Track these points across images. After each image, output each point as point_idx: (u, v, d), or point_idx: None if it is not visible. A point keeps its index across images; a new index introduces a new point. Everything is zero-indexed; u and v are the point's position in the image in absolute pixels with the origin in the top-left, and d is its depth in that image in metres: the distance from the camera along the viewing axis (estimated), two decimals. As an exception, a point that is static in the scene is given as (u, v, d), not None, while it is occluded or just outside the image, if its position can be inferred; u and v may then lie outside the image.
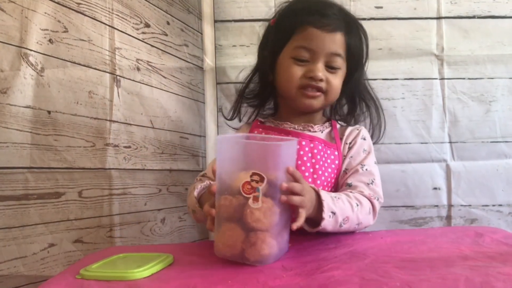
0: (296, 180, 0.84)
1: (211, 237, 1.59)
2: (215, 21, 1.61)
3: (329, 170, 1.09)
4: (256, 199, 0.77)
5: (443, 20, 1.57)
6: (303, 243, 0.94)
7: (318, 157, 1.08)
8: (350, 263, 0.75)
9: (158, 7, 1.44)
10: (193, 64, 1.58)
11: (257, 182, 0.77)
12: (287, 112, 1.18)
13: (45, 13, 1.10)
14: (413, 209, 1.57)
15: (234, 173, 0.81)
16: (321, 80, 1.07)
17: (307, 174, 1.06)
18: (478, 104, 1.57)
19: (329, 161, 1.10)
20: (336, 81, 1.10)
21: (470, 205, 1.57)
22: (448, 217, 1.57)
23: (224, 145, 0.84)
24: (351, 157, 1.13)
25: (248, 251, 0.78)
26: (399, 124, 1.57)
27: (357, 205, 0.99)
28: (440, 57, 1.57)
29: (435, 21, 1.57)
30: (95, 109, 1.22)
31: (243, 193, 0.77)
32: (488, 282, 0.62)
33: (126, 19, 1.31)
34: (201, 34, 1.61)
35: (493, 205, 1.57)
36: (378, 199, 1.06)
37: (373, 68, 1.55)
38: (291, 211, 0.85)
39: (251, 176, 0.77)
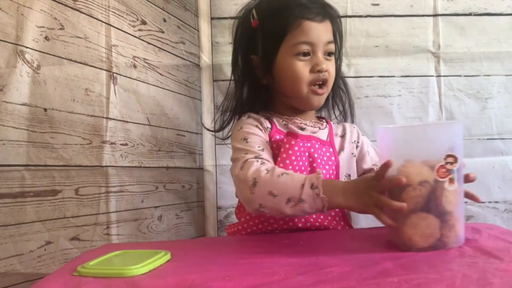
0: None
1: (208, 234, 1.59)
2: (212, 18, 1.60)
3: (327, 167, 1.09)
4: (452, 181, 0.77)
5: (439, 17, 1.57)
6: (300, 239, 0.94)
7: (316, 155, 1.08)
8: (348, 259, 0.75)
9: (154, 4, 1.43)
10: (189, 61, 1.58)
11: (451, 163, 0.76)
12: (286, 109, 1.16)
13: (41, 10, 1.10)
14: (410, 206, 1.57)
15: (415, 162, 0.79)
16: (326, 71, 1.08)
17: (305, 173, 1.06)
18: (474, 101, 1.58)
19: (325, 158, 1.10)
20: (333, 68, 1.12)
21: (466, 202, 1.54)
22: (445, 214, 1.57)
23: (399, 135, 0.84)
24: (369, 154, 1.19)
25: (447, 234, 0.78)
26: (395, 121, 1.58)
27: None
28: (437, 54, 1.58)
29: (431, 18, 1.57)
30: (92, 107, 1.22)
31: (438, 177, 0.76)
32: (485, 278, 0.62)
33: (122, 16, 1.31)
34: (198, 31, 1.61)
35: (489, 202, 1.58)
36: None
37: (369, 66, 1.57)
38: None
39: (445, 158, 0.76)
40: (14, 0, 1.05)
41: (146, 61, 1.39)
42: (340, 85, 1.23)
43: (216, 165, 1.60)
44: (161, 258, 0.79)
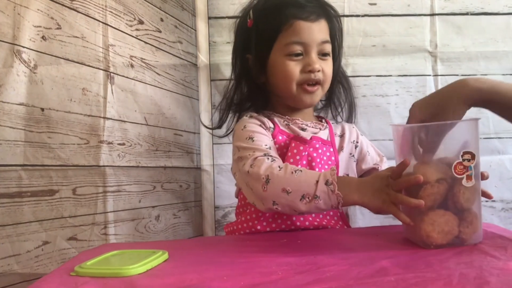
0: None
1: (206, 234, 1.59)
2: (209, 18, 1.60)
3: (326, 166, 1.09)
4: (469, 178, 0.77)
5: (436, 16, 1.57)
6: (298, 238, 0.94)
7: (315, 154, 1.08)
8: (346, 259, 0.75)
9: (151, 4, 1.43)
10: (187, 61, 1.58)
11: (468, 160, 0.77)
12: (283, 108, 1.16)
13: (38, 9, 1.10)
14: (407, 205, 1.57)
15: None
16: (318, 71, 1.07)
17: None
18: (472, 100, 1.58)
19: (325, 158, 1.10)
20: (329, 68, 1.11)
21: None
22: (442, 213, 1.58)
23: (410, 131, 0.84)
24: (368, 153, 1.19)
25: (466, 231, 0.78)
26: (393, 120, 1.58)
27: None
28: (434, 54, 1.58)
29: (428, 17, 1.58)
30: (89, 106, 1.22)
31: (456, 174, 0.77)
32: (482, 277, 0.62)
33: (119, 16, 1.31)
34: (195, 31, 1.61)
35: (486, 201, 1.57)
36: None
37: (367, 65, 1.57)
38: None
39: (462, 156, 0.77)
40: (11, 0, 1.05)
41: (143, 60, 1.39)
42: (343, 84, 1.23)
43: (213, 164, 1.60)
44: (158, 258, 0.79)
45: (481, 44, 1.57)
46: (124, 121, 1.32)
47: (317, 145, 1.09)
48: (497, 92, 0.88)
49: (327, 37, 1.10)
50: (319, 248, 0.86)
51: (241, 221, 1.11)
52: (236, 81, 1.20)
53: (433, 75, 1.58)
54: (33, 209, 1.10)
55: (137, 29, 1.37)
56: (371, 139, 1.53)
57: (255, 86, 1.16)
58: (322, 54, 1.09)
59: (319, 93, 1.11)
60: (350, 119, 1.24)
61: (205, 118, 1.59)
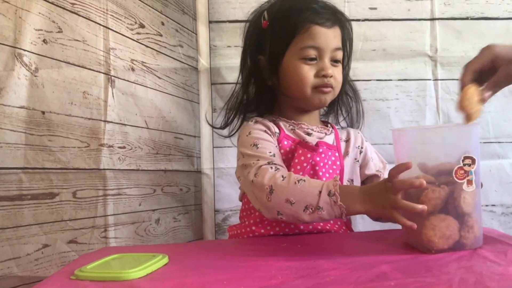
0: None
1: (206, 237, 1.59)
2: (210, 22, 1.60)
3: (330, 171, 1.09)
4: (470, 182, 0.77)
5: (436, 21, 1.58)
6: (298, 243, 0.94)
7: (318, 159, 1.08)
8: (346, 263, 0.75)
9: (152, 8, 1.44)
10: (187, 64, 1.58)
11: (469, 165, 0.77)
12: (290, 111, 1.16)
13: (39, 13, 1.10)
14: (407, 210, 1.57)
15: (428, 162, 0.80)
16: (331, 76, 1.07)
17: (307, 176, 1.06)
18: (471, 105, 1.58)
19: (329, 162, 1.10)
20: (340, 74, 1.11)
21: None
22: (442, 218, 1.58)
23: (416, 137, 0.84)
24: (372, 160, 1.19)
25: (467, 236, 0.78)
26: (393, 124, 1.58)
27: None
28: (434, 58, 1.58)
29: (428, 22, 1.58)
30: (90, 110, 1.22)
31: (456, 179, 0.77)
32: (482, 282, 0.62)
33: (120, 20, 1.31)
34: (196, 34, 1.61)
35: (486, 205, 1.58)
36: None
37: (367, 69, 1.57)
38: None
39: (463, 160, 0.77)
40: (13, 3, 1.05)
41: (144, 64, 1.40)
42: (347, 92, 1.23)
43: (214, 168, 1.60)
44: (158, 262, 0.79)
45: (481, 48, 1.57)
46: (125, 125, 1.32)
47: (321, 150, 1.09)
48: None
49: (340, 44, 1.11)
50: (319, 253, 0.86)
51: (245, 225, 1.11)
52: (246, 82, 1.19)
53: (433, 80, 1.58)
54: (33, 212, 1.10)
55: (138, 33, 1.38)
56: (371, 143, 1.53)
57: (264, 88, 1.16)
58: (334, 61, 1.10)
59: (330, 95, 1.11)
60: (355, 126, 1.25)
61: (205, 122, 1.59)
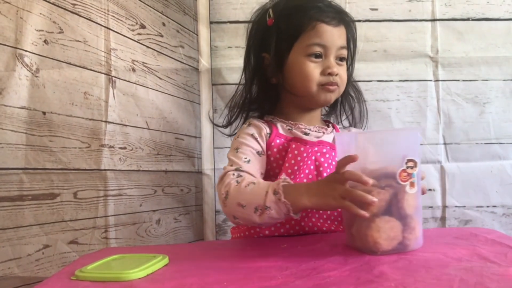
0: None
1: (207, 238, 1.59)
2: (211, 23, 1.61)
3: None
4: (412, 185, 0.79)
5: (437, 22, 1.58)
6: (298, 243, 0.94)
7: (322, 159, 1.08)
8: (345, 264, 0.75)
9: (153, 8, 1.44)
10: (188, 65, 1.58)
11: (412, 168, 0.79)
12: (293, 110, 1.16)
13: (40, 14, 1.10)
14: (408, 210, 1.57)
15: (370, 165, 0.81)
16: (336, 75, 1.08)
17: (310, 176, 1.07)
18: (472, 105, 1.58)
19: (334, 163, 1.10)
20: (345, 73, 1.12)
21: (464, 206, 1.58)
22: (443, 218, 1.58)
23: (355, 140, 0.84)
24: None
25: (409, 237, 0.80)
26: (393, 125, 1.58)
27: None
28: (435, 59, 1.58)
29: (429, 23, 1.58)
30: (91, 110, 1.22)
31: (400, 181, 0.78)
32: (482, 283, 0.62)
33: (121, 20, 1.31)
34: (197, 35, 1.61)
35: (487, 206, 1.58)
36: None
37: (368, 70, 1.57)
38: None
39: (406, 163, 0.78)
40: (14, 4, 1.05)
41: (145, 65, 1.40)
42: (350, 92, 1.24)
43: (214, 168, 1.60)
44: (159, 262, 0.79)
45: (482, 49, 1.58)
46: (126, 125, 1.32)
47: (325, 150, 1.09)
48: None
49: (345, 43, 1.12)
50: (319, 253, 0.85)
51: (250, 227, 1.11)
52: (250, 80, 1.20)
53: (434, 80, 1.58)
54: (34, 212, 1.10)
55: (139, 34, 1.38)
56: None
57: (267, 86, 1.17)
58: (340, 59, 1.11)
59: (336, 93, 1.12)
60: (358, 126, 1.25)
61: (206, 122, 1.59)
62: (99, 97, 1.24)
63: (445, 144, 1.58)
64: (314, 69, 1.08)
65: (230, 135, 1.25)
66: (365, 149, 0.82)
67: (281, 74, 1.13)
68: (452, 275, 0.66)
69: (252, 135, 1.10)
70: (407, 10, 1.58)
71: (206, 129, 1.61)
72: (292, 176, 1.04)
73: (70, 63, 1.17)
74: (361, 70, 1.56)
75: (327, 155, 1.09)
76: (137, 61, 1.37)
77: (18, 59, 1.06)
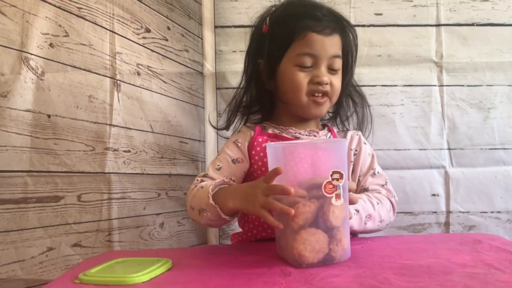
0: None
1: (210, 242, 1.59)
2: (216, 27, 1.61)
3: None
4: (338, 196, 0.79)
5: (442, 27, 1.58)
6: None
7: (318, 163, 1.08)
8: (349, 269, 0.75)
9: (158, 13, 1.44)
10: (193, 69, 1.58)
11: (337, 180, 0.78)
12: (287, 117, 1.16)
13: (46, 17, 1.11)
14: (412, 215, 1.57)
15: (297, 177, 0.81)
16: (326, 84, 1.07)
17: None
18: (477, 111, 1.58)
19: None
20: (338, 82, 1.11)
21: (468, 212, 1.57)
22: (447, 224, 1.57)
23: (282, 151, 0.83)
24: (361, 163, 1.16)
25: (335, 249, 0.79)
26: (398, 130, 1.58)
27: (377, 203, 1.05)
28: (439, 64, 1.58)
29: (434, 28, 1.58)
30: (95, 113, 1.22)
31: (325, 193, 0.78)
32: (486, 290, 0.62)
33: (126, 24, 1.32)
34: (202, 39, 1.62)
35: (492, 212, 1.57)
36: (394, 197, 1.13)
37: (372, 75, 1.57)
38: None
39: (331, 175, 0.78)
40: (20, 7, 1.06)
41: (149, 68, 1.40)
42: (353, 97, 1.23)
43: (218, 172, 1.60)
44: (162, 266, 0.79)
45: (487, 54, 1.57)
46: (130, 129, 1.33)
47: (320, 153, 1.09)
48: None
49: (339, 52, 1.10)
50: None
51: (247, 230, 1.11)
52: (246, 84, 1.21)
53: (438, 86, 1.58)
54: (38, 215, 1.10)
55: (144, 37, 1.38)
56: (376, 148, 1.53)
57: (263, 91, 1.17)
58: (332, 69, 1.09)
59: (326, 106, 1.12)
60: (364, 130, 1.25)
61: (210, 126, 1.59)
62: (104, 100, 1.25)
63: (449, 149, 1.58)
64: (303, 78, 1.07)
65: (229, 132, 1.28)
66: (293, 160, 0.81)
67: (274, 81, 1.14)
68: (456, 282, 0.66)
69: (235, 142, 1.13)
70: (412, 15, 1.58)
71: (210, 133, 1.61)
72: None
73: (75, 67, 1.18)
74: (365, 75, 1.56)
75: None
76: (142, 65, 1.37)
77: (23, 62, 1.06)
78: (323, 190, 0.78)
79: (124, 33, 1.31)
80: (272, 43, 1.12)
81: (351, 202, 0.89)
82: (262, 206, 0.83)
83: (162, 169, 1.44)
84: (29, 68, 1.08)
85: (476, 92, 1.58)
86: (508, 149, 1.58)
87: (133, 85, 1.34)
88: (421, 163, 1.58)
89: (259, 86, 1.18)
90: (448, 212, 1.57)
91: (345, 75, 1.16)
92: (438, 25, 1.58)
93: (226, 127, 1.25)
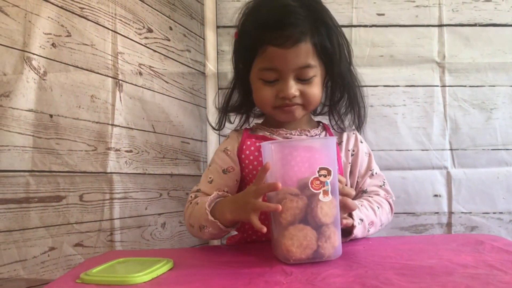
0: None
1: (211, 242, 1.59)
2: (218, 27, 1.61)
3: None
4: (326, 193, 0.79)
5: (444, 27, 1.57)
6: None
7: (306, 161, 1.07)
8: (350, 270, 0.75)
9: (161, 13, 1.44)
10: (195, 69, 1.58)
11: (325, 176, 0.79)
12: (272, 119, 1.13)
13: (49, 17, 1.11)
14: (414, 216, 1.57)
15: (289, 175, 0.81)
16: (294, 96, 1.02)
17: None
18: (479, 111, 1.58)
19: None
20: (313, 90, 1.03)
21: (470, 213, 1.57)
22: (449, 224, 1.57)
23: (275, 150, 0.83)
24: (359, 164, 1.14)
25: (324, 246, 0.79)
26: (400, 131, 1.58)
27: (378, 208, 1.05)
28: (442, 65, 1.58)
29: (436, 28, 1.58)
30: (97, 113, 1.22)
31: (312, 189, 0.78)
32: (488, 290, 0.62)
33: (129, 24, 1.32)
34: (203, 39, 1.62)
35: (494, 213, 1.57)
36: (392, 198, 1.13)
37: (374, 75, 1.57)
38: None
39: (318, 171, 0.78)
40: (22, 7, 1.06)
41: (151, 68, 1.40)
42: (349, 93, 1.13)
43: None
44: (163, 266, 0.79)
45: (489, 55, 1.57)
46: (132, 128, 1.33)
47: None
48: None
49: (307, 62, 1.00)
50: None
51: (242, 231, 1.11)
52: (232, 85, 1.18)
53: (440, 86, 1.58)
54: (40, 215, 1.10)
55: (146, 37, 1.38)
56: (378, 149, 1.53)
57: (245, 94, 1.15)
58: (302, 79, 1.02)
59: (299, 111, 1.06)
60: (357, 128, 1.19)
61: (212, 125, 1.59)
62: (106, 100, 1.25)
63: (451, 150, 1.58)
64: (267, 93, 1.03)
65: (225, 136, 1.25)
66: (282, 158, 0.82)
67: (249, 86, 1.11)
68: (458, 282, 0.65)
69: (224, 151, 1.11)
70: (414, 15, 1.58)
71: (212, 133, 1.61)
72: None
73: (77, 67, 1.18)
74: (367, 75, 1.55)
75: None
76: (144, 65, 1.37)
77: (26, 62, 1.07)
78: (310, 186, 0.78)
79: (126, 33, 1.31)
80: (241, 52, 1.10)
81: (350, 208, 0.90)
82: (253, 210, 0.83)
83: (164, 169, 1.45)
84: (31, 68, 1.08)
85: (478, 93, 1.58)
86: (511, 149, 1.58)
87: (135, 85, 1.34)
88: (423, 164, 1.57)
89: (241, 88, 1.16)
90: (450, 212, 1.57)
91: (333, 70, 1.07)
92: (440, 26, 1.58)
93: (219, 128, 1.23)
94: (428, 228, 1.57)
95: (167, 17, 1.47)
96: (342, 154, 1.13)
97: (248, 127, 1.18)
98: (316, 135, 1.13)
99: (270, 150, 0.83)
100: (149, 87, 1.39)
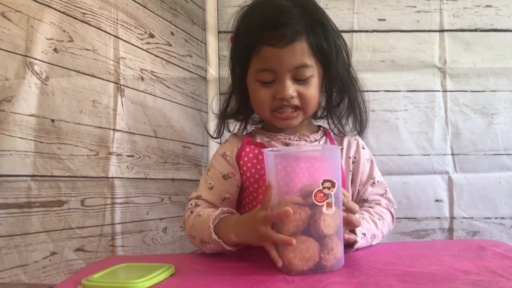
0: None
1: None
2: (219, 32, 1.61)
3: None
4: (329, 205, 0.78)
5: (445, 33, 1.58)
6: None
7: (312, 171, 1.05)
8: (352, 277, 0.75)
9: (162, 18, 1.45)
10: (196, 74, 1.59)
11: (328, 188, 0.78)
12: (270, 124, 1.11)
13: (51, 22, 1.11)
14: (415, 221, 1.57)
15: (292, 184, 0.81)
16: (292, 97, 1.01)
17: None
18: (481, 116, 1.58)
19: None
20: (311, 91, 1.02)
21: (472, 218, 1.57)
22: (450, 230, 1.57)
23: (278, 160, 0.82)
24: (361, 172, 1.11)
25: (326, 257, 0.79)
26: (401, 136, 1.58)
27: (379, 219, 1.04)
28: (443, 70, 1.58)
29: (437, 33, 1.58)
30: (99, 118, 1.23)
31: (316, 202, 0.77)
32: (490, 297, 0.62)
33: (130, 29, 1.32)
34: (205, 44, 1.62)
35: (495, 218, 1.57)
36: (394, 206, 1.12)
37: (375, 80, 1.57)
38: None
39: (322, 183, 0.78)
40: (24, 13, 1.07)
41: (153, 73, 1.40)
42: (349, 95, 1.11)
43: (221, 177, 1.60)
44: (165, 272, 0.79)
45: (490, 60, 1.57)
46: (133, 133, 1.33)
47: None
48: None
49: (304, 61, 0.99)
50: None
51: None
52: (230, 91, 1.17)
53: (442, 91, 1.58)
54: (42, 219, 1.10)
55: (147, 43, 1.39)
56: (380, 154, 1.53)
57: (242, 100, 1.14)
58: (299, 79, 1.01)
59: (298, 117, 1.05)
60: (357, 132, 1.16)
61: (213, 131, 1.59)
62: (108, 105, 1.25)
63: (453, 155, 1.58)
64: (265, 94, 1.02)
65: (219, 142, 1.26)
66: (285, 168, 0.81)
67: (246, 92, 1.09)
68: (460, 289, 0.65)
69: (223, 156, 1.09)
70: (415, 20, 1.58)
71: (213, 137, 1.61)
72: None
73: (79, 72, 1.18)
74: (368, 80, 1.54)
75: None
76: (145, 70, 1.38)
77: (28, 67, 1.07)
78: (313, 198, 0.77)
79: (128, 38, 1.31)
80: (237, 55, 1.09)
81: (354, 225, 0.89)
82: (266, 240, 0.82)
83: (165, 174, 1.45)
84: (33, 73, 1.08)
85: (479, 98, 1.58)
86: (512, 155, 1.58)
87: (137, 90, 1.34)
88: (425, 169, 1.57)
89: (238, 94, 1.14)
90: (452, 218, 1.57)
91: (330, 70, 1.05)
92: (441, 31, 1.58)
93: (218, 136, 1.21)
94: (429, 233, 1.57)
95: (168, 22, 1.47)
96: (343, 161, 1.11)
97: (247, 132, 1.17)
98: (315, 140, 1.11)
99: (272, 159, 0.82)
100: (150, 92, 1.39)
